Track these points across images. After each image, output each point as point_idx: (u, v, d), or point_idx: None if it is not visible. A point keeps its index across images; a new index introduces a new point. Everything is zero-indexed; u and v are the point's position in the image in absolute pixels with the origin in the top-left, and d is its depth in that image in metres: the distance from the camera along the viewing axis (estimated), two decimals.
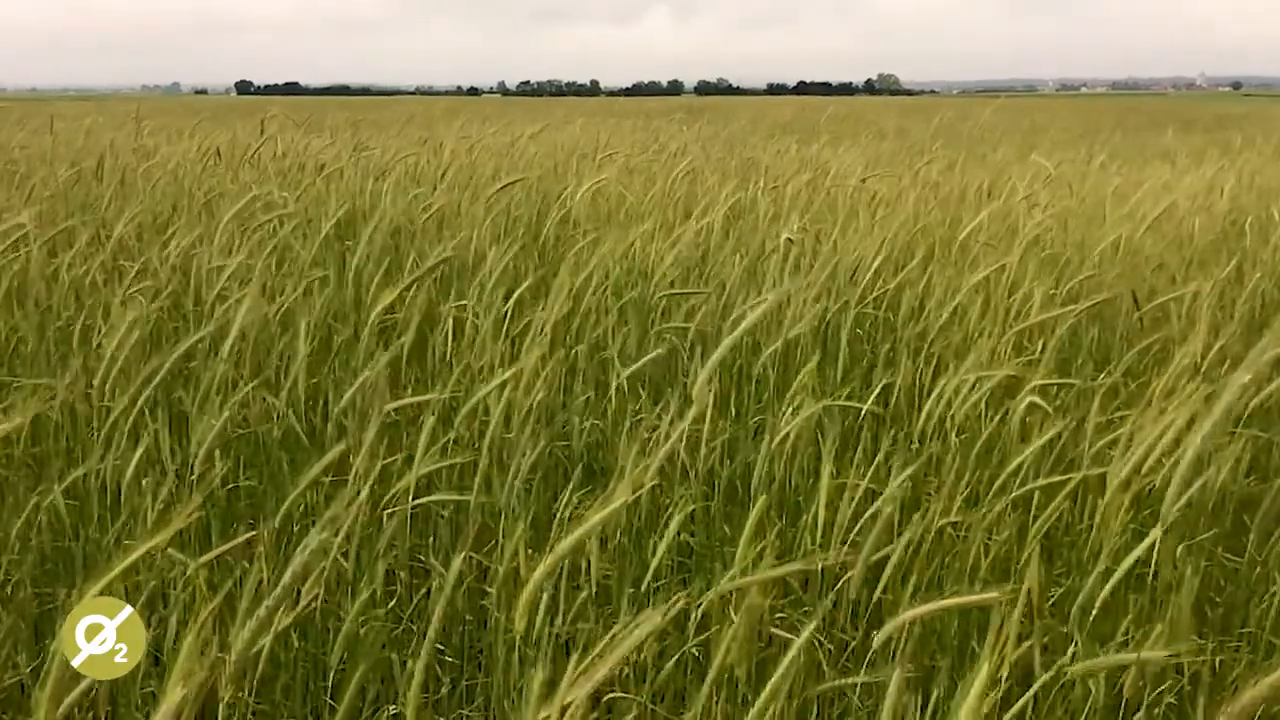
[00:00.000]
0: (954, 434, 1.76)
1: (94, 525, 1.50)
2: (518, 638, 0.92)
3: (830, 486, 1.38)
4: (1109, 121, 12.11)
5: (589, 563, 1.36)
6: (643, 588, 1.38)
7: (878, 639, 1.05)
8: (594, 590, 1.40)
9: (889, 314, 2.45)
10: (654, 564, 1.25)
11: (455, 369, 1.88)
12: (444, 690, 1.48)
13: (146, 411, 1.50)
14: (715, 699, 1.10)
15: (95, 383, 1.55)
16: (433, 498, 1.50)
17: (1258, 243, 3.08)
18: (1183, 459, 1.14)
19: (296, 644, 1.40)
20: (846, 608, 1.43)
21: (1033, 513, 1.51)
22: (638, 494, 1.06)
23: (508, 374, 1.42)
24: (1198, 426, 1.14)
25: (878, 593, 1.37)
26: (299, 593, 1.26)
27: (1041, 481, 1.51)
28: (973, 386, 1.77)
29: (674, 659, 1.35)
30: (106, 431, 1.46)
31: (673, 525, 1.25)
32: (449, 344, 2.06)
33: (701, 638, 1.32)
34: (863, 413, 1.84)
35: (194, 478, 1.40)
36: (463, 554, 0.96)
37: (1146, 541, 1.28)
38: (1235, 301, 2.45)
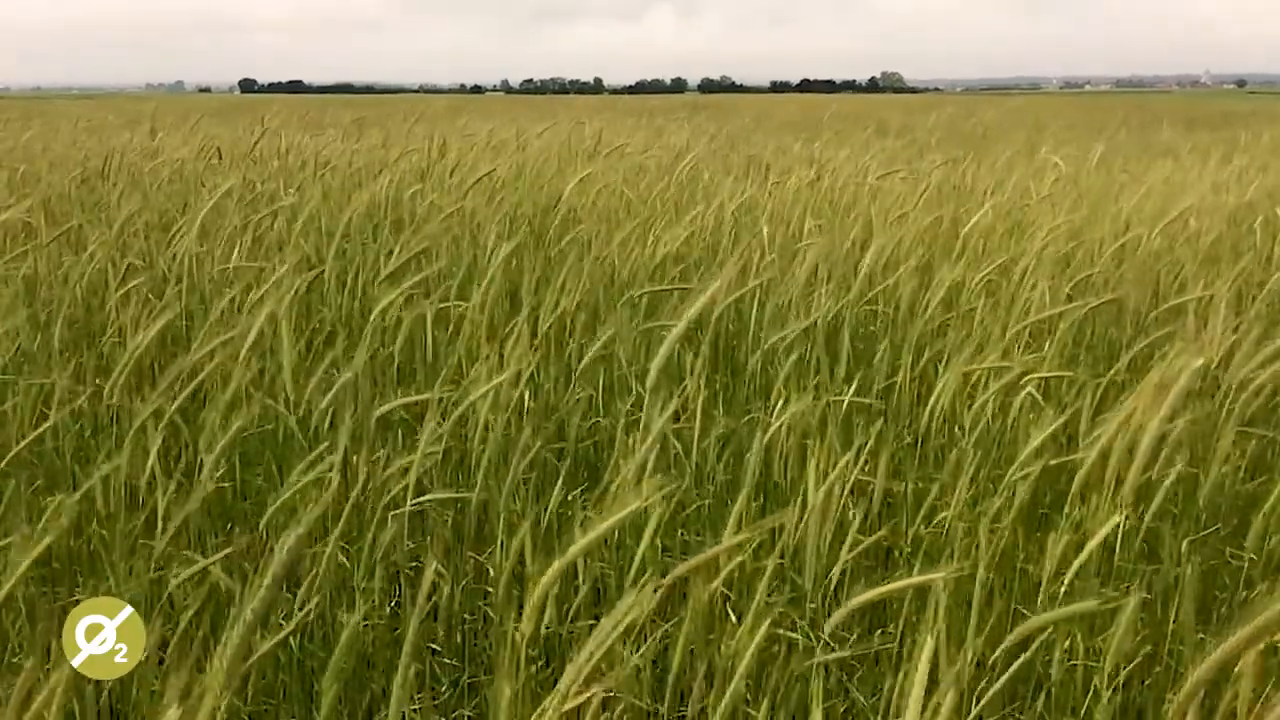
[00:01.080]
0: (959, 429, 1.76)
1: (105, 525, 1.49)
2: (523, 639, 0.91)
3: (817, 477, 1.37)
4: (1116, 119, 12.06)
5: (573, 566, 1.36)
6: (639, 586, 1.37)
7: (828, 625, 1.04)
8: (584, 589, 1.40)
9: (894, 310, 2.44)
10: (636, 563, 1.24)
11: (447, 368, 1.87)
12: (444, 691, 1.47)
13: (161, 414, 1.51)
14: (707, 691, 1.09)
15: (112, 383, 1.54)
16: (426, 498, 1.49)
17: (1267, 240, 3.07)
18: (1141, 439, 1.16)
19: (294, 645, 1.40)
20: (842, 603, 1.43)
21: (1014, 500, 1.51)
22: (647, 501, 1.04)
23: (495, 381, 1.41)
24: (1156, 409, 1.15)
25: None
26: (295, 596, 1.26)
27: (1020, 471, 1.51)
28: (979, 383, 1.77)
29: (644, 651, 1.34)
30: (132, 434, 1.46)
31: (652, 522, 1.25)
32: (430, 346, 2.05)
33: (661, 632, 1.31)
34: (844, 405, 1.83)
35: (210, 479, 1.40)
36: (434, 561, 0.95)
37: (1115, 519, 1.28)
38: (1243, 297, 2.44)
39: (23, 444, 1.39)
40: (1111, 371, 1.96)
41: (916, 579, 1.01)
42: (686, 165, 3.99)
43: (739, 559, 1.27)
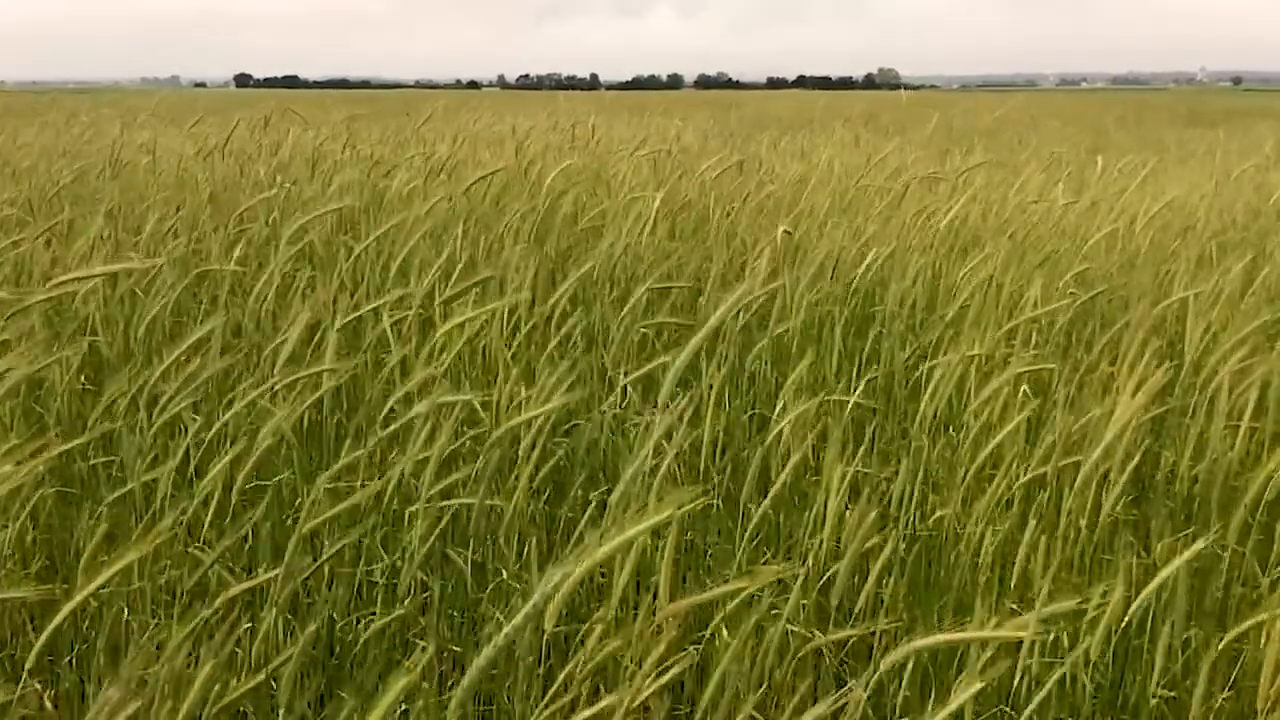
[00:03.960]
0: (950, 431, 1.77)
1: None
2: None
3: (834, 485, 1.39)
4: (1115, 116, 12.04)
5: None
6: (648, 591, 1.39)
7: (872, 669, 1.05)
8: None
9: (897, 310, 2.45)
10: (623, 575, 1.25)
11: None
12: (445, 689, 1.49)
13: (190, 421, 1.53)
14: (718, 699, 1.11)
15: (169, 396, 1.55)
16: (455, 501, 1.50)
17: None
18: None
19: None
20: (840, 603, 1.44)
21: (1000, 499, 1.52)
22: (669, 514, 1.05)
23: (523, 417, 1.42)
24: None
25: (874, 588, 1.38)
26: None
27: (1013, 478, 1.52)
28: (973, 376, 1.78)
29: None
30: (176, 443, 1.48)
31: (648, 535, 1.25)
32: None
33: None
34: (833, 405, 1.84)
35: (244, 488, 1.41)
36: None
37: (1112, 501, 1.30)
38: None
39: (49, 453, 1.40)
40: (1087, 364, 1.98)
41: (964, 635, 1.02)
42: (708, 166, 3.96)
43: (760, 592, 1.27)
